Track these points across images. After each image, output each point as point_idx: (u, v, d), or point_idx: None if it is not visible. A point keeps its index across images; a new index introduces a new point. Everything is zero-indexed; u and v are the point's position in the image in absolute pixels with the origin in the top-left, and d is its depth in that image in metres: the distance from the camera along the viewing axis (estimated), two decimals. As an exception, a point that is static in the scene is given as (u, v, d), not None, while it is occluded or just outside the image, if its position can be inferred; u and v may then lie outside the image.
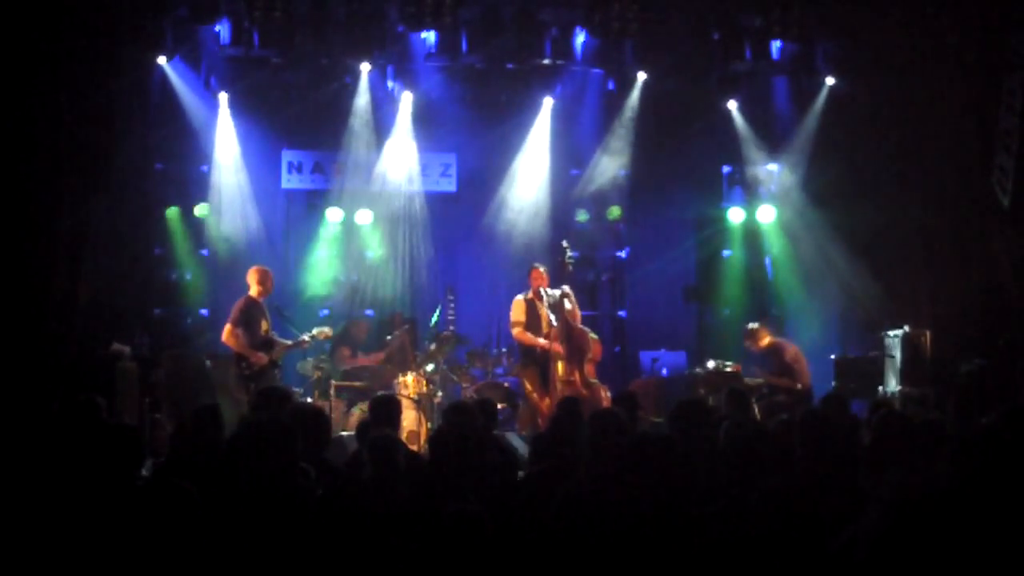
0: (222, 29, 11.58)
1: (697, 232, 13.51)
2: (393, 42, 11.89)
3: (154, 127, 11.99)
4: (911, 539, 1.32)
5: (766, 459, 4.54)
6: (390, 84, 12.55)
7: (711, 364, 11.22)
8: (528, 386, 10.40)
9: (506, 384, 10.96)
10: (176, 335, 11.97)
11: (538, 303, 10.48)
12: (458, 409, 6.37)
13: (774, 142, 12.85)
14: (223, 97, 12.04)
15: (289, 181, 12.79)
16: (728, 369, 11.07)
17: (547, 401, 10.09)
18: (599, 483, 4.47)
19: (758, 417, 9.31)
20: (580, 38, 12.04)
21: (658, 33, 11.67)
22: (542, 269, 10.61)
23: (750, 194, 13.08)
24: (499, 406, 9.79)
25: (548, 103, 12.64)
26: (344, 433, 9.11)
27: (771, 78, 12.70)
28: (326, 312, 12.48)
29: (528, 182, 12.86)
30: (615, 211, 13.05)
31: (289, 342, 10.24)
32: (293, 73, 12.05)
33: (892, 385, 10.98)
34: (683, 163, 12.84)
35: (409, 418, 9.30)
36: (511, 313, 10.59)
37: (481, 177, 12.92)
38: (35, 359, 9.60)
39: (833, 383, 11.12)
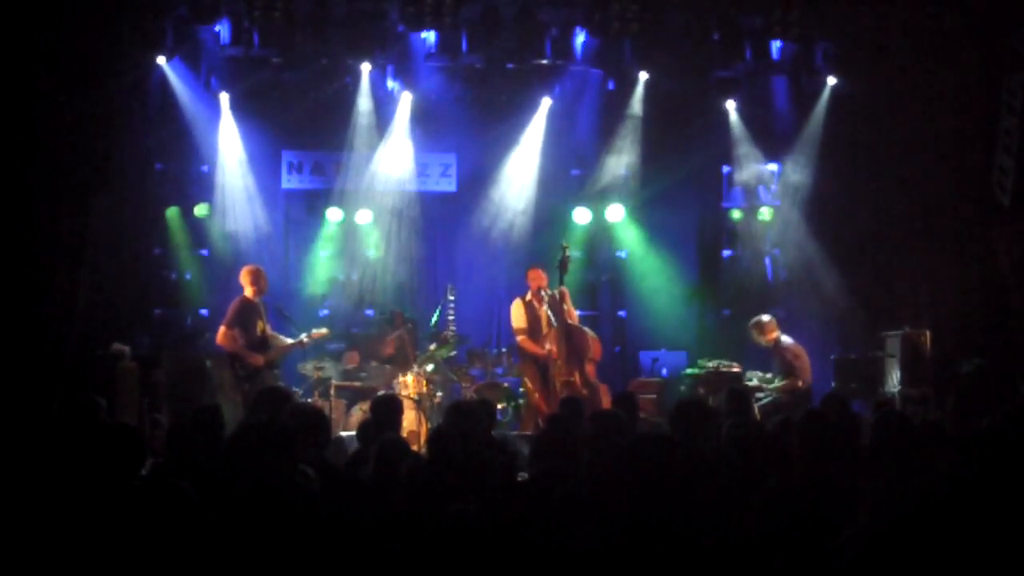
0: (222, 29, 11.58)
1: (697, 232, 13.50)
2: (393, 42, 11.89)
3: (154, 127, 11.98)
4: (901, 542, 1.31)
5: (766, 459, 4.54)
6: (390, 84, 12.55)
7: (711, 364, 11.22)
8: (528, 386, 10.41)
9: (506, 384, 10.96)
10: (176, 335, 11.96)
11: (537, 304, 10.48)
12: (458, 409, 6.36)
13: (774, 142, 12.85)
14: (224, 97, 12.04)
15: (289, 181, 12.78)
16: (728, 369, 11.08)
17: (547, 401, 10.09)
18: (599, 483, 4.47)
19: (758, 417, 9.31)
20: (580, 38, 12.04)
21: (658, 33, 11.67)
22: (541, 270, 10.61)
23: (750, 194, 13.07)
24: (499, 406, 9.81)
25: (546, 103, 12.63)
26: (344, 433, 9.11)
27: (771, 78, 12.70)
28: (326, 312, 12.47)
29: (528, 182, 12.86)
30: (615, 211, 13.05)
31: (287, 343, 10.24)
32: (293, 73, 12.04)
33: (892, 385, 10.98)
34: (683, 163, 12.83)
35: (409, 418, 9.30)
36: (512, 319, 10.59)
37: (481, 177, 12.91)
38: (35, 359, 9.59)
39: (833, 383, 11.12)
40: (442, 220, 13.10)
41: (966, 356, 10.52)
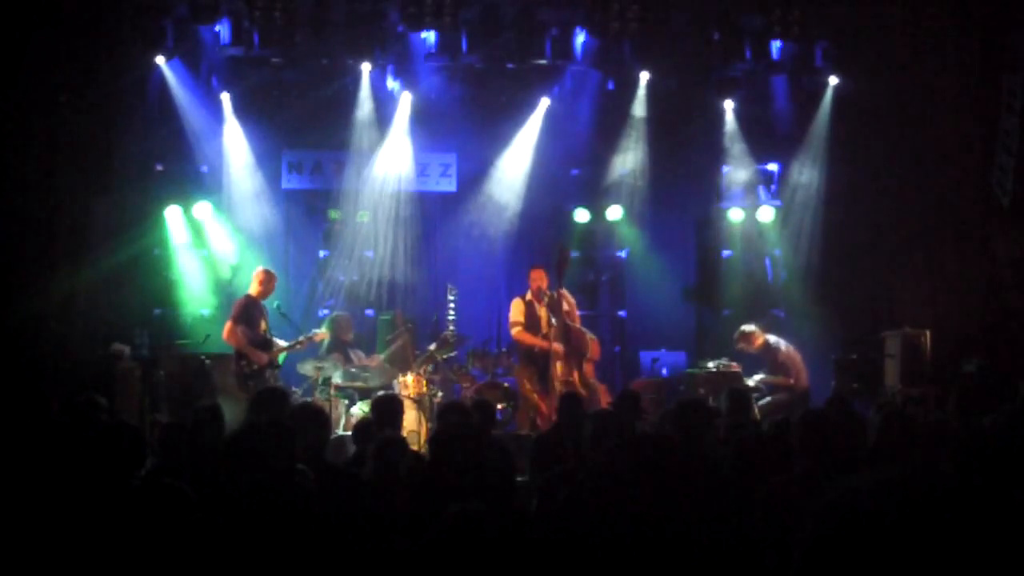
0: (222, 29, 11.57)
1: (697, 232, 13.50)
2: (393, 42, 11.89)
3: (154, 127, 11.98)
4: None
5: (766, 459, 4.54)
6: (390, 84, 12.55)
7: (711, 364, 11.22)
8: (527, 386, 10.41)
9: (506, 384, 10.95)
10: (176, 335, 11.97)
11: (537, 303, 10.49)
12: (453, 409, 6.37)
13: (774, 142, 12.84)
14: (226, 97, 12.03)
15: (289, 181, 12.76)
16: (728, 369, 11.08)
17: (546, 401, 10.09)
18: (599, 483, 4.46)
19: (758, 417, 9.31)
20: (580, 38, 12.04)
21: (658, 33, 11.66)
22: (543, 270, 10.61)
23: (750, 194, 13.07)
24: (499, 406, 9.80)
25: (544, 103, 12.62)
26: (344, 433, 9.10)
27: (771, 78, 12.69)
28: (326, 312, 12.46)
29: (528, 182, 12.85)
30: (615, 211, 13.04)
31: (286, 344, 10.24)
32: (293, 73, 12.04)
33: (892, 385, 10.97)
34: (683, 163, 12.84)
35: (409, 418, 9.30)
36: (510, 313, 10.60)
37: (481, 177, 12.91)
38: (35, 359, 9.60)
39: (833, 383, 11.12)
40: (442, 220, 13.09)
41: (966, 356, 10.52)
